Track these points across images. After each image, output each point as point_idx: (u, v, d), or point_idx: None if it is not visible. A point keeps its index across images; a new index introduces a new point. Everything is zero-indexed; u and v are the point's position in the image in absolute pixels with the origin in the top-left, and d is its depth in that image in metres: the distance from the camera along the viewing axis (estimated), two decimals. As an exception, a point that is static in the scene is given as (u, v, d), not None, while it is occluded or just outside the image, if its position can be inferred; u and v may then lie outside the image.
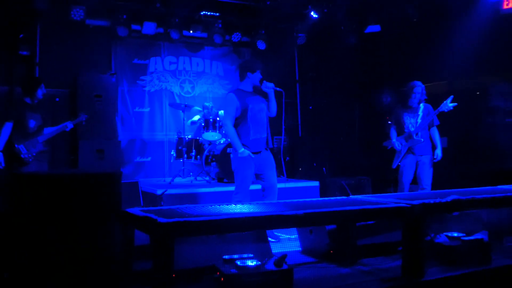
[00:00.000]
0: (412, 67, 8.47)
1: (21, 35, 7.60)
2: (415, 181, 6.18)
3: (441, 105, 5.79)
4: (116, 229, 2.67)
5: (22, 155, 5.68)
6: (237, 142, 5.06)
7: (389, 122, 6.28)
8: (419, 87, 6.02)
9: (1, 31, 7.30)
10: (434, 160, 6.00)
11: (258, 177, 5.30)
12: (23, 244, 2.32)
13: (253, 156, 5.06)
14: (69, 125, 6.10)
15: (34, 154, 5.77)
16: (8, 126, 5.62)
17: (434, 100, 6.13)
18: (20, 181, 2.40)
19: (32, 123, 5.81)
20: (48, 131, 5.97)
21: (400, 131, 6.18)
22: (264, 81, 5.15)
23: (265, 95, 5.27)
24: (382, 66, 9.06)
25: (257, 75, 5.18)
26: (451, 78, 7.44)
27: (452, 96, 5.77)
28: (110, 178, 2.52)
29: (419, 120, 6.03)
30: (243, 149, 5.03)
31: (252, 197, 5.39)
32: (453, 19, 7.57)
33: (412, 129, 6.01)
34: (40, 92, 5.89)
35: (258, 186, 5.45)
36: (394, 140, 6.16)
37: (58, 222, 2.37)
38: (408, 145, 6.05)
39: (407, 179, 6.08)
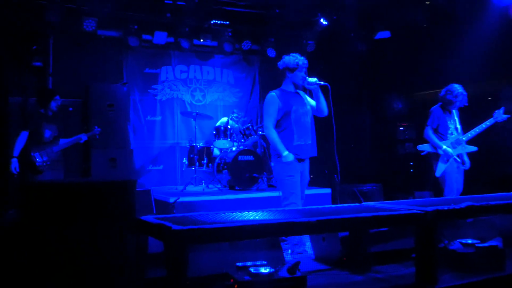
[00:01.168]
0: (422, 73, 8.45)
1: (34, 47, 7.69)
2: (421, 188, 6.09)
3: (494, 115, 5.64)
4: (129, 237, 2.68)
5: (37, 163, 5.79)
6: (280, 146, 4.52)
7: (427, 125, 5.93)
8: (460, 90, 5.76)
9: (15, 43, 7.39)
10: (464, 167, 5.84)
11: None
12: (38, 252, 2.34)
13: (298, 160, 4.58)
14: (83, 137, 6.27)
15: (48, 163, 5.88)
16: (23, 135, 5.76)
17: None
18: (36, 189, 2.43)
19: (47, 133, 5.95)
20: (63, 141, 6.10)
21: (441, 136, 5.86)
22: (306, 78, 4.61)
23: (311, 94, 4.74)
24: (392, 72, 9.03)
25: (297, 73, 4.63)
26: (461, 84, 7.39)
27: (503, 107, 5.67)
28: (124, 186, 2.54)
29: (458, 126, 5.83)
30: (287, 152, 4.50)
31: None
32: (462, 25, 7.55)
33: (456, 134, 5.80)
34: (54, 104, 6.02)
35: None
36: (444, 146, 5.75)
37: (73, 230, 2.39)
38: (458, 152, 5.78)
39: (455, 187, 5.75)
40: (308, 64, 4.73)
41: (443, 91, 5.89)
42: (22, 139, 5.74)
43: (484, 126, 5.74)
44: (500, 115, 5.66)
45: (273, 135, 4.58)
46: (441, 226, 3.46)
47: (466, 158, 5.87)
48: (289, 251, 4.48)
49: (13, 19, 6.82)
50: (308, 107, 4.74)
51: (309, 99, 4.83)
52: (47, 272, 2.33)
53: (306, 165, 4.74)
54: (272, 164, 4.74)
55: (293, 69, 4.64)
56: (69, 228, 2.37)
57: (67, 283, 2.36)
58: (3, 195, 2.61)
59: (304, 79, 4.62)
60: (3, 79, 2.83)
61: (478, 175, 5.89)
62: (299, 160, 4.61)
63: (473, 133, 5.78)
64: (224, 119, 8.36)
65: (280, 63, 4.76)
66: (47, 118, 6.02)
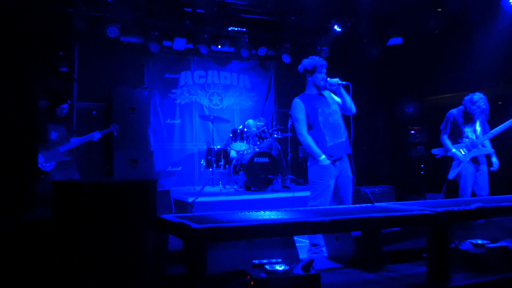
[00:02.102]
0: (433, 78, 8.40)
1: (61, 53, 7.82)
2: (432, 190, 6.01)
3: None
4: (151, 235, 2.70)
5: (39, 164, 5.66)
6: (316, 150, 4.35)
7: (440, 129, 5.84)
8: (480, 99, 5.53)
9: (43, 50, 7.51)
10: (492, 168, 5.67)
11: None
12: (67, 247, 2.37)
13: (333, 165, 4.40)
14: (97, 135, 6.15)
15: (53, 163, 5.78)
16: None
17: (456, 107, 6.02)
18: (67, 188, 2.47)
19: (53, 135, 5.87)
20: (74, 140, 6.03)
21: (455, 140, 5.77)
22: (328, 79, 4.49)
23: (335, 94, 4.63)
24: (405, 77, 8.99)
25: (317, 75, 4.51)
26: (472, 88, 7.33)
27: None
28: (146, 186, 2.56)
29: (478, 128, 5.67)
30: (324, 156, 4.34)
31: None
32: (474, 31, 7.49)
33: (474, 138, 5.66)
34: (59, 111, 5.93)
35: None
36: (453, 150, 5.68)
37: (98, 227, 2.42)
38: (472, 155, 5.65)
39: (470, 191, 5.64)
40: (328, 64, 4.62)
41: (466, 102, 5.65)
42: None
43: (499, 129, 5.55)
44: None
45: (308, 141, 4.42)
46: (452, 227, 3.43)
47: (494, 159, 5.69)
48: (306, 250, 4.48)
49: (42, 26, 6.91)
50: (334, 106, 4.57)
51: (335, 97, 4.67)
52: (75, 266, 2.36)
53: (344, 164, 4.51)
54: (308, 164, 4.50)
55: (312, 71, 4.52)
56: (95, 225, 2.40)
57: (92, 277, 2.39)
58: (31, 193, 2.66)
59: (325, 80, 4.49)
60: (33, 84, 2.87)
61: (489, 177, 5.81)
62: (336, 160, 4.43)
63: (489, 135, 5.63)
64: (250, 121, 8.40)
65: (299, 67, 4.63)
66: (55, 119, 5.93)
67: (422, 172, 8.74)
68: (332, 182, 4.39)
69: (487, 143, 5.76)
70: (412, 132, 9.10)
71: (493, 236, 3.86)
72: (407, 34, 8.53)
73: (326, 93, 4.64)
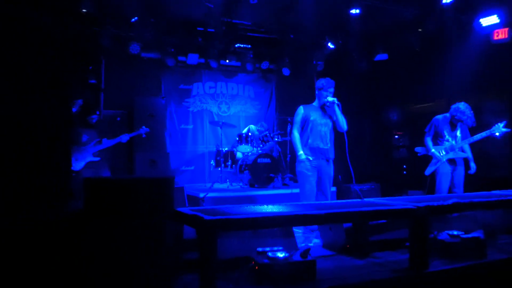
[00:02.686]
0: (415, 89, 8.40)
1: (90, 67, 7.87)
2: (413, 187, 6.03)
3: (493, 128, 5.38)
4: (168, 225, 2.73)
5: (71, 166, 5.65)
6: (297, 146, 4.83)
7: (425, 131, 5.83)
8: (464, 109, 5.53)
9: (75, 64, 7.55)
10: (469, 172, 5.67)
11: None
12: (96, 235, 2.40)
13: (311, 159, 4.78)
14: (125, 137, 6.12)
15: (83, 163, 5.76)
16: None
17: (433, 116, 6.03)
18: (96, 184, 2.50)
19: (84, 138, 5.86)
20: (105, 142, 5.99)
21: (437, 142, 5.77)
22: (327, 97, 4.86)
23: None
24: (389, 88, 8.99)
25: (322, 92, 4.89)
26: (448, 98, 7.35)
27: (505, 121, 5.41)
28: (165, 182, 2.59)
29: (458, 134, 5.65)
30: (301, 152, 4.78)
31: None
32: (450, 48, 7.50)
33: (454, 142, 5.64)
34: (89, 120, 5.96)
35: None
36: (433, 150, 5.69)
37: (123, 219, 2.45)
38: (449, 157, 5.65)
39: (445, 187, 5.63)
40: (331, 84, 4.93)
41: (454, 111, 5.62)
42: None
43: (477, 138, 5.55)
44: (499, 128, 5.39)
45: (294, 138, 4.89)
46: (431, 219, 3.45)
47: (472, 164, 5.69)
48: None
49: (75, 44, 6.96)
50: (328, 121, 4.95)
51: (338, 113, 4.92)
52: (103, 252, 2.39)
53: (327, 165, 4.90)
54: (296, 163, 4.92)
55: (319, 88, 4.94)
56: (121, 217, 2.43)
57: (118, 261, 2.42)
58: (67, 188, 2.69)
59: (325, 97, 4.88)
60: (68, 93, 2.91)
61: (471, 176, 5.82)
62: (314, 160, 4.81)
63: (466, 141, 5.63)
64: (252, 126, 8.43)
65: (316, 84, 5.04)
66: (88, 125, 5.96)
67: (404, 172, 8.74)
68: (311, 174, 4.78)
69: (467, 148, 5.73)
70: (396, 136, 9.11)
71: (467, 227, 3.88)
72: (392, 51, 8.54)
73: (328, 109, 4.99)
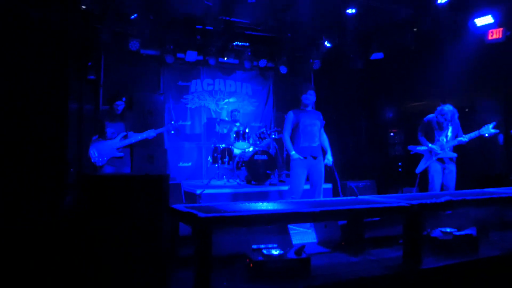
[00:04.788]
0: (410, 87, 8.38)
1: (90, 63, 7.81)
2: (408, 184, 6.06)
3: (482, 128, 5.44)
4: (164, 222, 2.70)
5: (92, 159, 5.33)
6: (289, 147, 5.28)
7: (420, 133, 5.93)
8: (448, 112, 5.61)
9: (74, 60, 7.49)
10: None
11: (307, 179, 5.38)
12: (91, 231, 2.37)
13: (302, 158, 5.20)
14: (151, 133, 5.71)
15: (106, 159, 5.38)
16: (94, 139, 5.40)
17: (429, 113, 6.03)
18: (91, 180, 2.46)
19: (109, 132, 5.46)
20: (132, 136, 5.60)
21: (429, 141, 5.85)
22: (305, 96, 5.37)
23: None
24: (385, 87, 8.97)
25: (305, 96, 5.35)
26: (443, 97, 7.33)
27: (495, 122, 5.44)
28: (160, 179, 2.56)
29: (449, 134, 5.70)
30: (294, 152, 5.23)
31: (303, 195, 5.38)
32: (445, 48, 7.48)
33: (444, 142, 5.70)
34: (115, 107, 5.54)
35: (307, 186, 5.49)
36: (430, 145, 5.74)
37: (119, 216, 2.42)
38: (441, 156, 5.71)
39: (438, 185, 5.70)
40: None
41: (437, 112, 5.74)
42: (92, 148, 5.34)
43: (466, 138, 5.61)
44: (488, 129, 5.43)
45: (285, 139, 5.35)
46: (424, 216, 3.43)
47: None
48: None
49: (73, 39, 6.89)
50: (315, 121, 5.37)
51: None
52: (98, 249, 2.36)
53: (317, 161, 5.29)
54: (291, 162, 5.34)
55: (302, 93, 5.39)
56: (116, 213, 2.40)
57: (115, 257, 2.39)
58: (62, 185, 2.65)
59: (308, 100, 5.41)
60: (66, 89, 2.87)
61: (458, 175, 5.83)
62: (305, 157, 5.22)
63: (455, 142, 5.69)
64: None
65: (297, 89, 5.60)
66: (112, 117, 5.51)
67: (399, 169, 8.73)
68: (302, 172, 5.22)
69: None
70: (391, 134, 9.09)
71: (459, 225, 3.86)
72: (387, 50, 8.51)
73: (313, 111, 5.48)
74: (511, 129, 6.55)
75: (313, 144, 5.30)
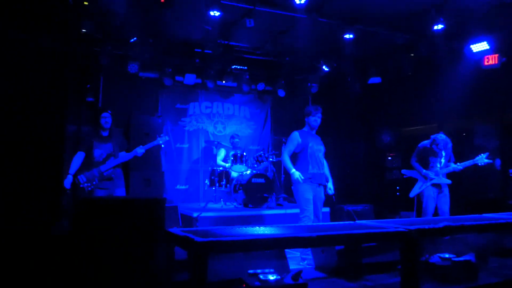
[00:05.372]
0: (407, 112, 8.46)
1: (88, 85, 7.88)
2: (406, 208, 6.08)
3: (477, 158, 5.60)
4: (159, 246, 2.68)
5: (81, 185, 5.05)
6: (289, 165, 4.84)
7: (414, 158, 6.02)
8: (441, 142, 5.76)
9: (73, 82, 7.56)
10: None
11: None
12: (86, 255, 2.35)
13: (311, 183, 4.82)
14: (140, 150, 5.28)
15: (94, 183, 5.08)
16: (79, 155, 5.10)
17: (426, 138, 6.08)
18: (86, 204, 2.46)
19: (97, 153, 5.15)
20: (122, 156, 5.24)
21: (423, 167, 5.95)
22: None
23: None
24: (382, 111, 9.06)
25: (311, 118, 5.03)
26: (440, 121, 7.39)
27: (488, 152, 5.63)
28: (156, 203, 2.55)
29: (442, 160, 5.83)
30: (294, 170, 4.79)
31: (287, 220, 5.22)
32: (442, 73, 7.60)
33: (438, 169, 5.81)
34: (103, 121, 5.21)
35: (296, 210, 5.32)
36: (425, 171, 5.86)
37: (114, 239, 2.40)
38: (436, 182, 5.81)
39: (431, 210, 5.79)
40: (313, 102, 5.07)
41: (430, 140, 5.88)
42: (78, 158, 5.07)
43: (460, 166, 5.75)
44: (482, 159, 5.61)
45: (286, 158, 4.91)
46: (422, 242, 3.41)
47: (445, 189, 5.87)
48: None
49: (72, 62, 6.98)
50: (321, 147, 5.09)
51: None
52: (94, 272, 2.34)
53: (320, 189, 4.97)
54: (292, 187, 4.93)
55: (308, 114, 5.07)
56: (111, 237, 2.39)
57: (108, 283, 2.36)
58: (57, 208, 2.64)
59: (317, 122, 5.06)
60: (63, 110, 2.90)
61: (455, 200, 5.85)
62: (314, 183, 4.86)
63: (450, 169, 5.80)
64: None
65: (305, 110, 5.16)
66: (100, 137, 5.19)
67: (397, 193, 8.72)
68: (311, 196, 4.81)
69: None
70: (389, 158, 9.12)
71: (458, 251, 3.84)
72: (385, 74, 8.62)
73: (317, 135, 5.15)
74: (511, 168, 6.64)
75: (321, 171, 4.98)
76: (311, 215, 4.75)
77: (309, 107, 5.13)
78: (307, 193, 4.80)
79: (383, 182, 9.10)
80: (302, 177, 4.78)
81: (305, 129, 5.10)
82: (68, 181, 5.02)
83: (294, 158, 4.94)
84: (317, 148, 5.00)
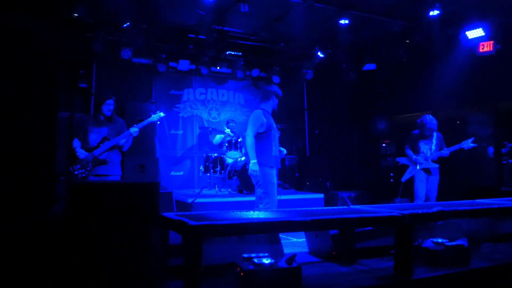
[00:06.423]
0: (402, 99, 8.47)
1: (81, 71, 7.80)
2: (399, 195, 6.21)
3: (463, 143, 5.80)
4: (154, 231, 2.68)
5: (75, 172, 4.90)
6: (253, 153, 4.54)
7: (406, 145, 6.22)
8: (430, 120, 5.96)
9: (65, 68, 7.48)
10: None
11: None
12: (80, 240, 2.34)
13: (273, 169, 4.62)
14: (133, 129, 5.11)
15: (88, 168, 4.91)
16: (76, 141, 4.97)
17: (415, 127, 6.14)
18: (80, 188, 2.44)
19: (92, 138, 5.00)
20: (114, 139, 5.08)
21: (415, 153, 6.16)
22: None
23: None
24: (377, 98, 9.06)
25: (275, 100, 4.81)
26: (435, 109, 7.41)
27: (473, 137, 5.79)
28: (150, 187, 2.54)
29: (433, 147, 6.01)
30: (255, 160, 4.52)
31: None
32: (437, 60, 7.59)
33: (428, 154, 6.00)
34: (106, 108, 5.04)
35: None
36: (415, 156, 6.07)
37: (108, 223, 2.40)
38: (424, 166, 6.01)
39: (422, 193, 6.01)
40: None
41: (418, 120, 6.11)
42: (75, 143, 4.93)
43: (447, 151, 5.91)
44: (467, 143, 5.79)
45: (251, 142, 4.58)
46: (416, 227, 3.43)
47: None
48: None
49: (65, 48, 6.89)
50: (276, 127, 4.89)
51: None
52: (87, 256, 2.33)
53: (276, 173, 4.74)
54: (255, 169, 4.54)
55: (278, 97, 4.81)
56: (105, 221, 2.38)
57: (102, 268, 2.36)
58: (51, 195, 2.63)
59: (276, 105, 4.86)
60: (55, 97, 2.87)
61: (449, 186, 5.95)
62: (275, 168, 4.66)
63: (438, 154, 5.97)
64: (227, 130, 8.36)
65: (271, 88, 4.84)
66: (97, 122, 5.05)
67: (391, 180, 8.77)
68: (275, 180, 4.62)
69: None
70: (383, 145, 9.15)
71: (451, 236, 3.87)
72: (380, 61, 8.61)
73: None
74: (505, 141, 6.70)
75: (278, 154, 4.75)
76: (276, 200, 4.64)
77: (277, 88, 4.84)
78: (273, 178, 4.61)
79: (378, 169, 9.14)
80: (258, 174, 4.53)
81: (267, 108, 4.78)
82: (81, 152, 4.88)
83: (256, 139, 4.61)
84: (276, 130, 4.80)
